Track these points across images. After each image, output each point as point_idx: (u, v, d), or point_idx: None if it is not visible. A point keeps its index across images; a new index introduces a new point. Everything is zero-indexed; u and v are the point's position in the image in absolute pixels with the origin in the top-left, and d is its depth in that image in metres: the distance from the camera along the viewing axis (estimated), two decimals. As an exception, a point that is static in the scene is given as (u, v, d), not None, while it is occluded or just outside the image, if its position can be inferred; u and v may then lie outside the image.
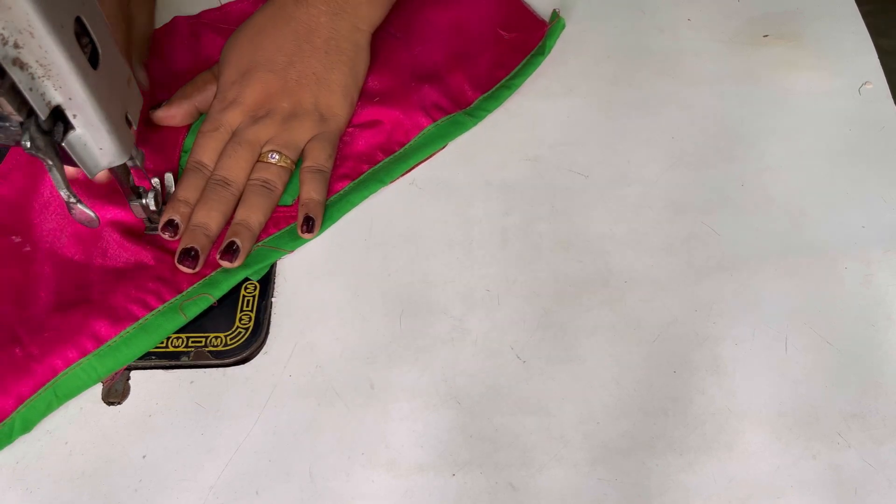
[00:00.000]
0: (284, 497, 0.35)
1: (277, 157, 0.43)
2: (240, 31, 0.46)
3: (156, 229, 0.41)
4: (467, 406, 0.38)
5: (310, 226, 0.42)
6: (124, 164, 0.36)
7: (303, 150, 0.45)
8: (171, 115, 0.45)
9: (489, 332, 0.40)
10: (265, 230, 0.43)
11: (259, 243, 0.42)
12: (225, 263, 0.40)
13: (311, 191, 0.43)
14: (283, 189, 0.44)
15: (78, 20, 0.28)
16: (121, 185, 0.38)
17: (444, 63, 0.49)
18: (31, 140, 0.29)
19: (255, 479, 0.36)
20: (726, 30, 0.51)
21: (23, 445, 0.37)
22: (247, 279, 0.41)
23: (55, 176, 0.32)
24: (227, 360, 0.39)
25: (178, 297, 0.40)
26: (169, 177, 0.42)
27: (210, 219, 0.41)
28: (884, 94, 0.48)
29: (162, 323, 0.39)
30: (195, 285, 0.40)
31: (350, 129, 0.46)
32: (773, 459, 0.36)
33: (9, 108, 0.28)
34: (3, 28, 0.25)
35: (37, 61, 0.27)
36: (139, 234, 0.42)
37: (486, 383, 0.38)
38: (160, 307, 0.39)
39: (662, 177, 0.45)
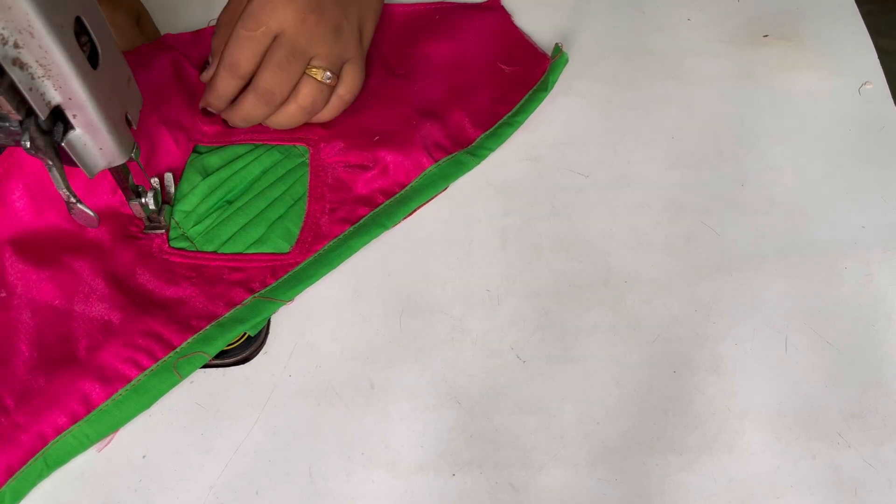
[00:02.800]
0: (284, 497, 0.35)
1: (331, 77, 0.42)
2: None
3: (154, 228, 0.41)
4: (467, 406, 0.38)
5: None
6: (124, 163, 0.36)
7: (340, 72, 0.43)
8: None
9: (489, 332, 0.40)
10: (262, 280, 0.40)
11: (256, 294, 0.40)
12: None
13: (326, 116, 0.44)
14: (319, 108, 0.43)
15: (78, 20, 0.28)
16: (120, 185, 0.38)
17: (443, 99, 0.47)
18: (31, 140, 0.29)
19: (255, 479, 0.36)
20: (726, 30, 0.51)
21: (23, 445, 0.37)
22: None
23: (55, 176, 0.32)
24: (227, 360, 0.39)
25: (172, 354, 0.38)
26: (168, 177, 0.42)
27: (249, 121, 0.42)
28: (884, 94, 0.48)
29: (156, 384, 0.37)
30: (189, 341, 0.38)
31: (350, 170, 0.44)
32: (773, 459, 0.36)
33: (8, 108, 0.28)
34: (3, 28, 0.25)
35: (37, 61, 0.27)
36: (120, 278, 0.40)
37: (486, 383, 0.38)
38: (153, 366, 0.37)
39: (662, 177, 0.45)
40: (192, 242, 0.41)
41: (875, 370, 0.38)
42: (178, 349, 0.38)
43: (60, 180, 0.32)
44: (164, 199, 0.42)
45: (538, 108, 0.47)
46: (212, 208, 0.42)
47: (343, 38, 0.42)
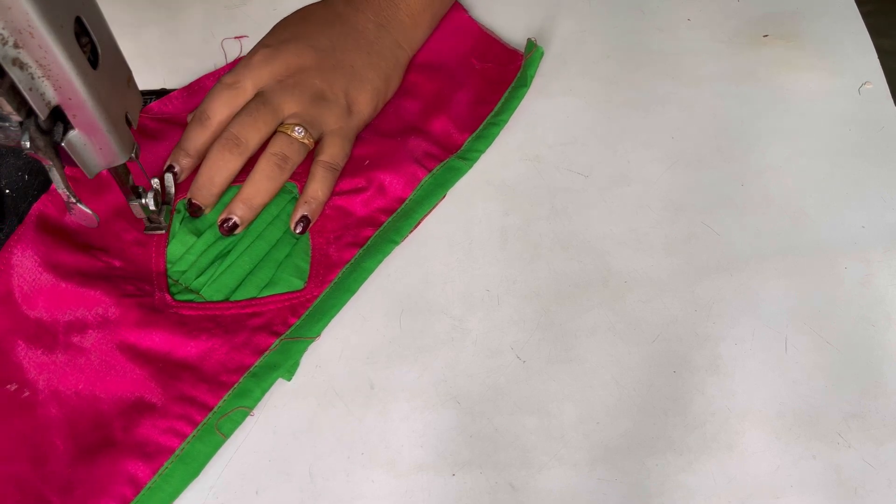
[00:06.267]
0: (284, 497, 0.35)
1: (303, 132, 0.41)
2: (287, 17, 0.46)
3: (155, 229, 0.41)
4: (467, 406, 0.38)
5: (304, 226, 0.41)
6: (124, 164, 0.36)
7: (319, 141, 0.43)
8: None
9: (489, 332, 0.40)
10: (284, 321, 0.39)
11: (283, 336, 0.39)
12: (222, 232, 0.41)
13: (318, 189, 0.42)
14: (292, 170, 0.42)
15: (78, 20, 0.28)
16: (120, 186, 0.38)
17: (424, 110, 0.47)
18: (31, 140, 0.29)
19: (255, 479, 0.36)
20: (726, 30, 0.51)
21: (23, 445, 0.37)
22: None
23: (55, 176, 0.32)
24: (226, 361, 0.39)
25: (211, 415, 0.36)
26: (169, 177, 0.42)
27: (213, 184, 0.41)
28: (884, 94, 0.48)
29: (201, 449, 0.36)
30: (226, 398, 0.37)
31: (345, 196, 0.43)
32: (773, 459, 0.36)
33: (8, 108, 0.28)
34: (3, 28, 0.25)
35: (37, 61, 0.27)
36: (135, 346, 0.38)
37: (486, 383, 0.38)
38: (194, 432, 0.36)
39: (662, 177, 0.45)
40: (198, 294, 0.40)
41: (875, 370, 0.38)
42: (215, 409, 0.36)
43: (60, 180, 0.32)
44: (164, 200, 0.42)
45: (538, 109, 0.47)
46: (212, 259, 0.41)
47: (323, 105, 0.43)
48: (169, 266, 0.41)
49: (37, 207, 0.41)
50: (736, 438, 0.37)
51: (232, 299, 0.40)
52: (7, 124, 0.29)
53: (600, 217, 0.44)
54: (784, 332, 0.40)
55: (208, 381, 0.37)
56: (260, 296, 0.40)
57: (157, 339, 0.38)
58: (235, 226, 0.41)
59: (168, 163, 0.42)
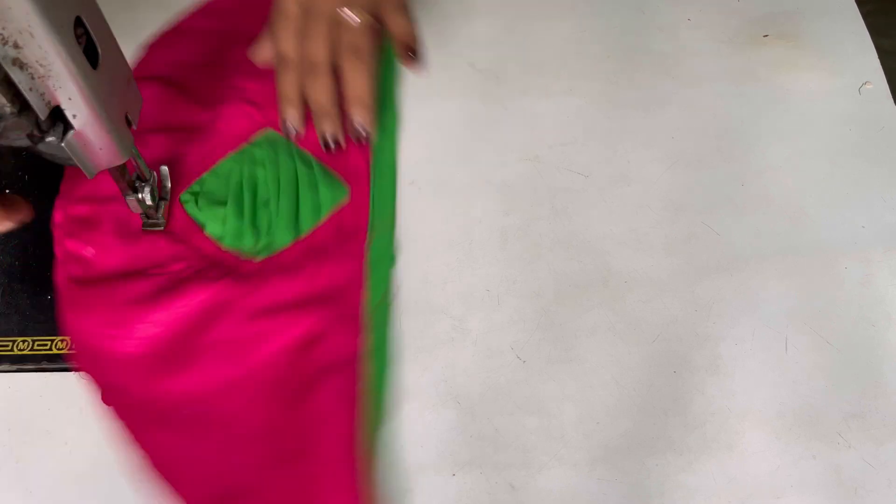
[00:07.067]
0: (284, 497, 0.35)
1: (353, 15, 0.42)
2: None
3: (154, 225, 0.41)
4: (467, 406, 0.38)
5: (415, 54, 0.43)
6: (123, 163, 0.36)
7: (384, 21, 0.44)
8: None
9: (489, 332, 0.40)
10: (356, 225, 0.42)
11: (371, 236, 0.41)
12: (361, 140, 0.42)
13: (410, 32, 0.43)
14: (372, 53, 0.43)
15: (78, 20, 0.28)
16: (117, 182, 0.38)
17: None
18: (31, 140, 0.29)
19: (255, 479, 0.36)
20: (726, 30, 0.51)
21: (23, 445, 0.37)
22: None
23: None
24: (227, 360, 0.39)
25: (366, 306, 0.39)
26: (164, 170, 0.42)
27: (328, 108, 0.42)
28: (884, 94, 0.48)
29: (380, 328, 0.39)
30: (365, 292, 0.40)
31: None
32: (773, 459, 0.36)
33: (8, 108, 0.28)
34: (3, 28, 0.25)
35: (37, 61, 0.27)
36: (267, 307, 0.38)
37: (486, 383, 0.38)
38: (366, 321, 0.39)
39: (662, 177, 0.45)
40: (263, 249, 0.41)
41: (875, 370, 0.38)
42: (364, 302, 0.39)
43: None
44: (161, 195, 0.42)
45: (538, 109, 0.47)
46: (252, 214, 0.42)
47: None
48: (221, 244, 0.41)
49: (59, 277, 0.40)
50: (736, 438, 0.37)
51: (295, 238, 0.41)
52: (7, 124, 0.29)
53: (600, 217, 0.44)
54: (784, 332, 0.40)
55: (342, 291, 0.39)
56: (321, 218, 0.42)
57: (274, 291, 0.39)
58: (368, 136, 0.42)
59: (284, 121, 0.43)
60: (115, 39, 0.32)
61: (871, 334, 0.40)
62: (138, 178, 0.39)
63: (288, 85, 0.43)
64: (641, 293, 0.41)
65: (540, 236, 0.43)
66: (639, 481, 0.36)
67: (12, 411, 0.38)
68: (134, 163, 0.38)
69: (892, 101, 0.47)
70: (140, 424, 0.36)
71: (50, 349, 0.39)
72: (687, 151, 0.46)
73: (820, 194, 0.44)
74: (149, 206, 0.40)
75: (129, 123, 0.34)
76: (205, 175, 0.43)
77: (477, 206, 0.44)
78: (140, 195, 0.39)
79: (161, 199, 0.42)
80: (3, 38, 0.26)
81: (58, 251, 0.40)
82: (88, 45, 0.30)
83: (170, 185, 0.42)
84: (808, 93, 0.48)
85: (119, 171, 0.37)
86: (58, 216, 0.41)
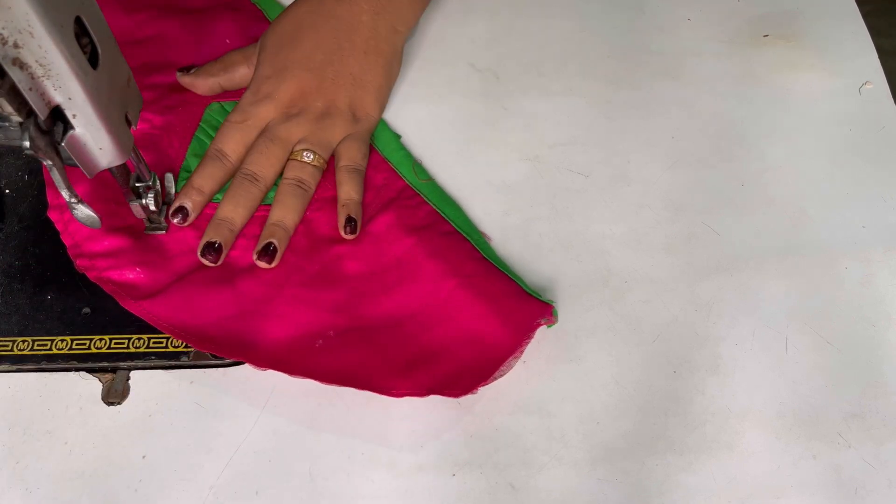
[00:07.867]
0: (284, 497, 0.35)
1: (312, 156, 0.43)
2: (278, 25, 0.46)
3: (155, 229, 0.41)
4: (467, 406, 0.38)
5: (353, 227, 0.42)
6: (124, 163, 0.36)
7: (335, 150, 0.44)
8: (195, 84, 0.46)
9: (489, 332, 0.40)
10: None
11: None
12: (262, 265, 0.40)
13: (351, 191, 0.43)
14: (314, 188, 0.43)
15: (78, 20, 0.28)
16: (120, 185, 0.38)
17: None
18: (31, 140, 0.29)
19: (255, 479, 0.36)
20: (726, 30, 0.51)
21: (23, 445, 0.37)
22: None
23: (55, 176, 0.32)
24: (227, 360, 0.39)
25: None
26: (169, 177, 0.42)
27: (236, 214, 0.41)
28: (884, 94, 0.48)
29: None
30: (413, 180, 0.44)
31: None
32: (773, 459, 0.36)
33: (8, 109, 0.28)
34: (3, 28, 0.25)
35: (37, 61, 0.27)
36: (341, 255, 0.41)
37: (486, 383, 0.38)
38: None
39: (662, 177, 0.45)
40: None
41: (875, 370, 0.38)
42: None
43: (61, 180, 0.32)
44: (165, 200, 0.42)
45: (538, 109, 0.47)
46: None
47: (328, 122, 0.44)
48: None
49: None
50: (736, 438, 0.37)
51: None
52: (7, 124, 0.29)
53: (600, 217, 0.44)
54: (784, 332, 0.40)
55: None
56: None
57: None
58: (275, 250, 0.41)
59: (177, 203, 0.41)
60: (115, 39, 0.32)
61: (871, 334, 0.40)
62: (138, 179, 0.39)
63: (215, 179, 0.42)
64: (641, 293, 0.41)
65: (540, 236, 0.43)
66: (639, 481, 0.36)
67: (12, 411, 0.38)
68: (134, 163, 0.38)
69: (892, 101, 0.47)
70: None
71: (50, 349, 0.39)
72: (687, 151, 0.46)
73: (820, 194, 0.44)
74: (152, 212, 0.40)
75: (129, 123, 0.34)
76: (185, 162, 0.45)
77: (477, 206, 0.44)
78: (144, 200, 0.39)
79: (164, 203, 0.42)
80: (3, 38, 0.26)
81: (108, 289, 0.40)
82: (88, 45, 0.30)
83: (174, 190, 0.42)
84: (808, 93, 0.48)
85: (121, 175, 0.37)
86: (81, 263, 0.40)
